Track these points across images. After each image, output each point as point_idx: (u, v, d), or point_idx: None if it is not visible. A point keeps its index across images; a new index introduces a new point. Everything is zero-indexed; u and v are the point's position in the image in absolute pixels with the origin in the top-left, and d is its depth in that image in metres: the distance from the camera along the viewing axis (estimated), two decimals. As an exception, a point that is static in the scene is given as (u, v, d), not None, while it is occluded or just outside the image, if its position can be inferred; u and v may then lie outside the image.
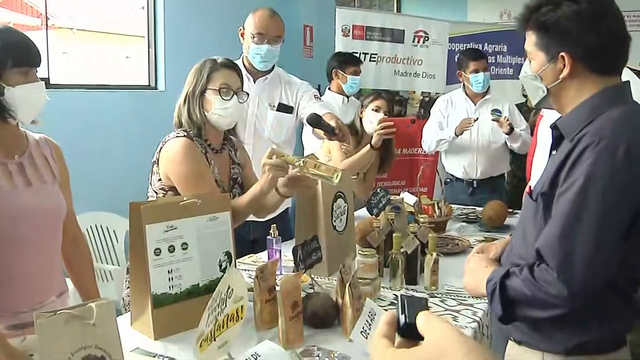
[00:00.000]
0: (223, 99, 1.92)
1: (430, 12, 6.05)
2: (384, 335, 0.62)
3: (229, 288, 1.26)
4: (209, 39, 4.02)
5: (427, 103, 4.80)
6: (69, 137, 2.50)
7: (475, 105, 3.63)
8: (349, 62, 3.72)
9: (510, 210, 2.91)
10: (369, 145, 2.91)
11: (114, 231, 3.48)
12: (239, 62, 2.30)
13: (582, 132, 1.25)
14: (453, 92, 3.82)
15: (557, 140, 1.36)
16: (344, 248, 2.10)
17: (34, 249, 1.61)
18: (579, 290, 1.19)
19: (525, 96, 4.62)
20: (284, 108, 2.65)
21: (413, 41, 4.94)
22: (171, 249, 1.52)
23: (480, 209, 2.95)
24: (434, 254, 1.89)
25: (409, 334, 0.60)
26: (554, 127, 1.36)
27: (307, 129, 2.82)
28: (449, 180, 3.80)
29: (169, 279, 1.51)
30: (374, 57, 4.82)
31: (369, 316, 1.34)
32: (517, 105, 3.89)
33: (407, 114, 4.89)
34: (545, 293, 1.22)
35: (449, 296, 1.85)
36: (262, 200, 1.90)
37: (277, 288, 1.50)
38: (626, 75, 1.38)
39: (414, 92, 5.03)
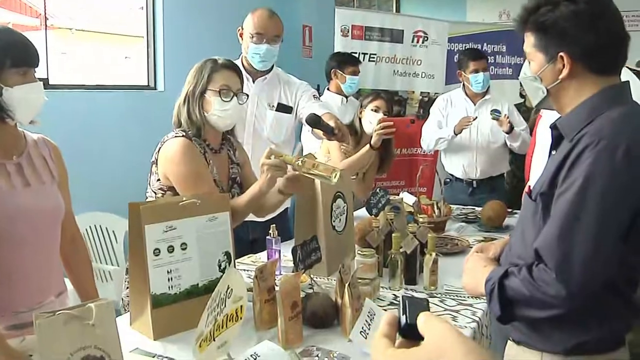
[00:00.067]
0: (223, 100, 1.92)
1: (429, 12, 6.05)
2: (384, 335, 0.62)
3: (228, 288, 1.26)
4: (208, 39, 4.02)
5: (426, 103, 4.80)
6: (68, 137, 2.50)
7: (474, 105, 3.63)
8: (347, 62, 3.73)
9: (510, 210, 2.91)
10: (368, 145, 2.91)
11: (113, 231, 3.48)
12: (238, 62, 2.30)
13: (582, 132, 1.25)
14: (453, 91, 3.82)
15: (557, 140, 1.36)
16: (343, 248, 2.10)
17: (33, 249, 1.61)
18: (578, 290, 1.19)
19: (522, 96, 4.63)
20: (283, 108, 2.65)
21: (412, 41, 4.94)
22: (170, 249, 1.52)
23: (480, 209, 2.95)
24: (433, 254, 1.89)
25: (410, 335, 0.61)
26: (553, 127, 1.37)
27: (307, 128, 2.82)
28: (448, 180, 3.80)
29: (169, 279, 1.51)
30: (373, 57, 4.82)
31: (368, 316, 1.33)
32: (516, 105, 3.89)
33: (406, 114, 4.89)
34: (543, 293, 1.22)
35: (448, 296, 1.85)
36: (261, 200, 1.90)
37: (277, 288, 1.50)
38: (626, 75, 1.38)
39: (413, 92, 5.03)
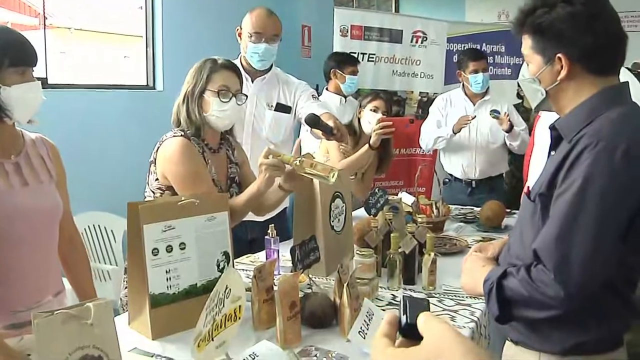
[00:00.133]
0: (221, 100, 1.92)
1: (428, 12, 6.06)
2: (384, 335, 0.62)
3: (226, 288, 1.26)
4: (207, 39, 4.02)
5: (425, 103, 4.81)
6: (67, 136, 2.50)
7: (474, 105, 3.64)
8: (346, 62, 3.73)
9: (509, 210, 2.92)
10: (367, 145, 2.91)
11: (111, 231, 3.48)
12: (236, 62, 2.30)
13: (581, 133, 1.26)
14: (452, 91, 3.82)
15: (556, 141, 1.36)
16: (341, 248, 2.10)
17: (31, 249, 1.61)
18: (576, 291, 1.19)
19: (520, 97, 4.64)
20: (281, 108, 2.65)
21: (411, 41, 4.94)
22: (169, 249, 1.52)
23: (478, 209, 2.95)
24: (432, 254, 1.89)
25: (410, 334, 0.61)
26: (552, 127, 1.37)
27: (305, 128, 2.82)
28: (447, 180, 3.80)
29: (167, 279, 1.51)
30: (372, 57, 4.82)
31: (366, 316, 1.34)
32: (514, 105, 3.89)
33: (405, 114, 4.89)
34: (541, 294, 1.22)
35: (446, 296, 1.85)
36: (260, 199, 1.90)
37: (275, 288, 1.50)
38: (625, 76, 1.38)
39: (412, 92, 5.03)
